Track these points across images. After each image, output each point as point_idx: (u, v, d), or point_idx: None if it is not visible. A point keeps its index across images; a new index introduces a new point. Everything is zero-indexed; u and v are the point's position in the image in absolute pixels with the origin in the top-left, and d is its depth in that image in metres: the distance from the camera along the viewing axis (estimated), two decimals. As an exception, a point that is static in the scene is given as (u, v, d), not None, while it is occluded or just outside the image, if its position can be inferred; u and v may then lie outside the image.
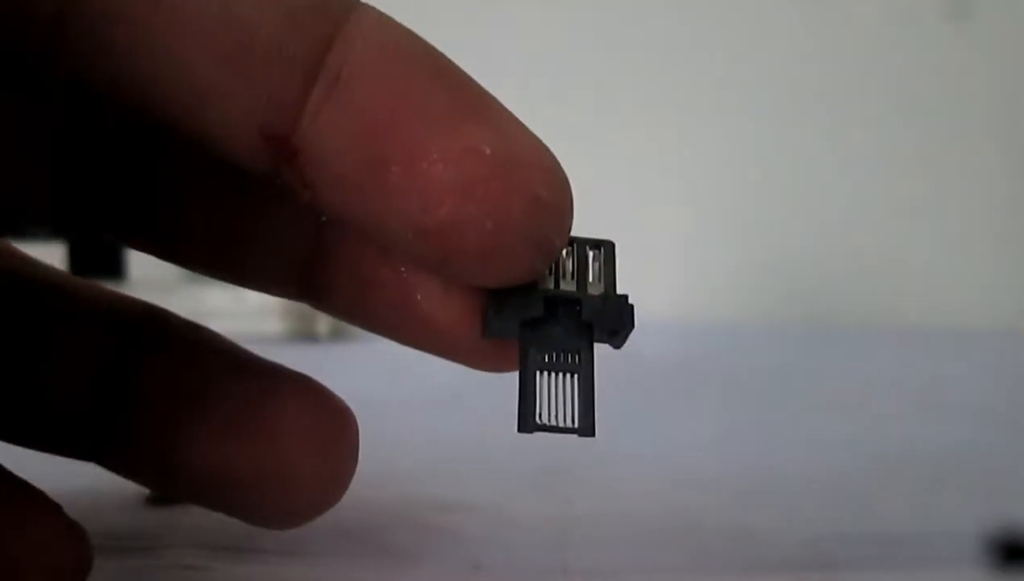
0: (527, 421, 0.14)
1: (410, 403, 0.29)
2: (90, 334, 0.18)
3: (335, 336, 0.44)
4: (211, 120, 0.14)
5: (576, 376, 0.15)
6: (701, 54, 0.55)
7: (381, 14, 0.14)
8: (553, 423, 0.14)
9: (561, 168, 0.14)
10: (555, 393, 0.14)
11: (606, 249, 0.15)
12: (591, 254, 0.15)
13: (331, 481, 0.17)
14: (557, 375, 0.15)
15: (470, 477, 0.24)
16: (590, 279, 0.15)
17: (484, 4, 0.57)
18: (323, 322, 0.45)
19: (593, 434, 0.15)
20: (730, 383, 0.36)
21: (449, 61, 0.14)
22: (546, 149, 0.14)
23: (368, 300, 0.17)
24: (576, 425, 0.14)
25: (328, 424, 0.17)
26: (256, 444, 0.17)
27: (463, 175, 0.13)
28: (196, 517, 0.19)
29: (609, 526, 0.19)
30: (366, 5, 0.14)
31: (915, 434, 0.22)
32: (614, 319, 0.15)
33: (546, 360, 0.15)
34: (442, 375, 0.24)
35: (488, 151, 0.13)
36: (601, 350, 0.15)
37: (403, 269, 0.16)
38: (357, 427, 0.17)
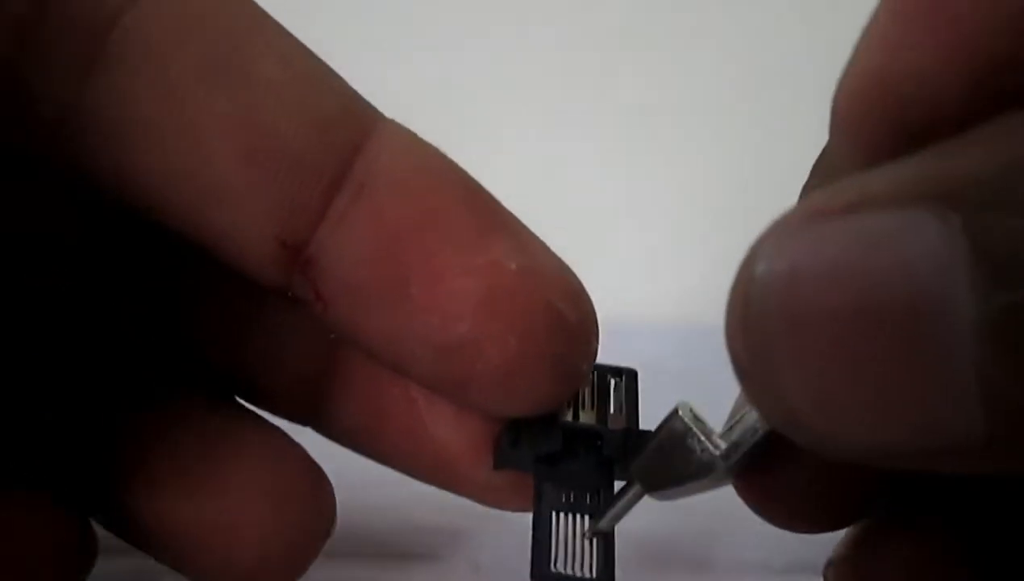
0: (541, 569, 0.13)
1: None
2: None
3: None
4: (226, 222, 0.13)
5: (587, 515, 0.13)
6: (699, 54, 0.55)
7: (403, 127, 0.14)
8: (570, 572, 0.13)
9: (584, 288, 0.14)
10: (572, 536, 0.13)
11: (628, 377, 0.14)
12: (612, 382, 0.14)
13: (289, 544, 0.15)
14: (574, 516, 0.13)
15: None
16: (611, 410, 0.14)
17: (485, 4, 0.57)
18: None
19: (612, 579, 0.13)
20: (729, 385, 0.35)
21: (472, 178, 0.14)
22: (569, 268, 0.14)
23: (376, 426, 0.16)
24: (594, 576, 0.13)
25: (290, 483, 0.16)
26: (203, 497, 0.15)
27: (487, 289, 0.13)
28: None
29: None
30: (390, 119, 0.14)
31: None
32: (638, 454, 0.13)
33: (563, 500, 0.14)
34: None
35: (513, 266, 0.13)
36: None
37: (415, 395, 0.15)
38: (330, 490, 0.16)
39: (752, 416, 0.12)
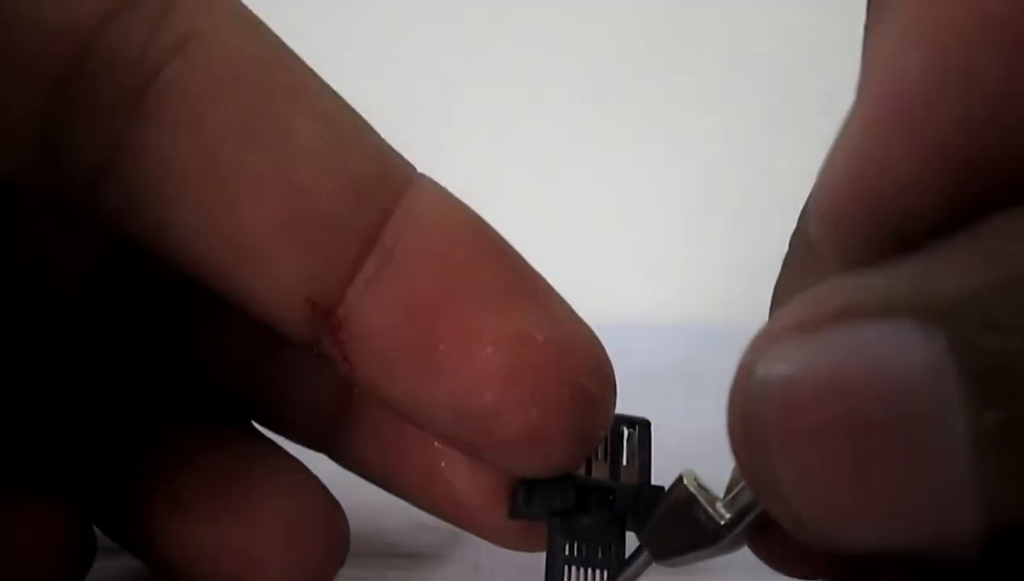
0: None
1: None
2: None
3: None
4: (258, 282, 0.13)
5: (607, 572, 0.14)
6: (698, 53, 0.55)
7: (437, 185, 0.14)
8: None
9: (608, 358, 0.14)
10: None
11: (641, 429, 0.15)
12: (625, 433, 0.14)
13: (304, 576, 0.15)
14: (586, 570, 0.14)
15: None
16: (623, 463, 0.14)
17: (487, 4, 0.57)
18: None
19: None
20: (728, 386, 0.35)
21: (502, 240, 0.14)
22: (596, 337, 0.14)
23: (393, 465, 0.16)
24: None
25: (310, 516, 0.16)
26: (228, 524, 0.15)
27: (513, 361, 0.13)
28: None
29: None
30: (423, 175, 0.14)
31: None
32: (649, 513, 0.13)
33: (575, 553, 0.14)
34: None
35: (540, 338, 0.13)
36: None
37: (434, 441, 0.15)
38: (345, 523, 0.16)
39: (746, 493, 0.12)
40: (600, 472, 0.14)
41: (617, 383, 0.14)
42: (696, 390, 0.36)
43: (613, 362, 0.14)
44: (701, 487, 0.13)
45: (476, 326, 0.13)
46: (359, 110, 0.17)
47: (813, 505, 0.10)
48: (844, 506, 0.10)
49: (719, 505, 0.13)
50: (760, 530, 0.13)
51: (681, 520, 0.12)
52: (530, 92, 0.57)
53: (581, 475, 0.14)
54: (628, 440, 0.14)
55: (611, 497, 0.14)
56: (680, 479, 0.13)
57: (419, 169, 0.15)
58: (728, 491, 0.13)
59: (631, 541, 0.14)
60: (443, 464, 0.15)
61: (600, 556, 0.14)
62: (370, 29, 0.58)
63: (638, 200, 0.55)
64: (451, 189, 0.15)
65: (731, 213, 0.52)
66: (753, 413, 0.10)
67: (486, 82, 0.59)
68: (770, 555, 0.13)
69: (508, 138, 0.57)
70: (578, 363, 0.13)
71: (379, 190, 0.13)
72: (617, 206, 0.55)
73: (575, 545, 0.14)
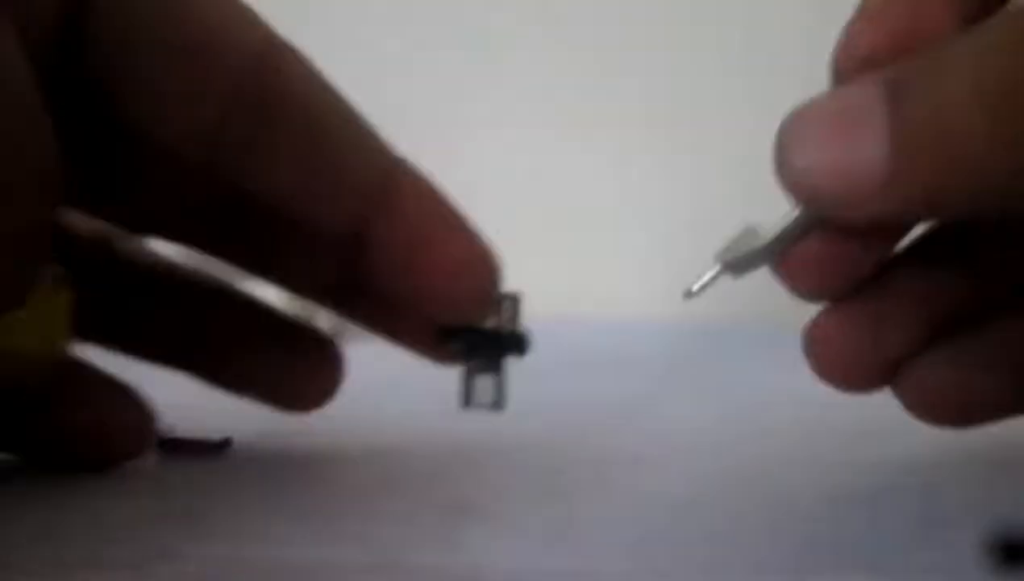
0: (465, 402, 0.24)
1: (408, 405, 0.29)
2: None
3: (335, 338, 0.44)
4: (316, 214, 0.22)
5: (494, 376, 0.24)
6: (691, 53, 0.55)
7: (416, 168, 0.23)
8: (480, 401, 0.24)
9: (494, 258, 0.23)
10: (482, 384, 0.24)
11: (513, 299, 0.24)
12: (506, 301, 0.24)
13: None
14: (483, 373, 0.24)
15: (471, 478, 0.24)
16: (504, 317, 0.24)
17: (488, 4, 0.57)
18: (323, 324, 0.44)
19: (502, 408, 0.24)
20: (728, 384, 0.36)
21: (451, 202, 0.23)
22: (488, 251, 0.23)
23: (374, 314, 0.25)
24: (493, 401, 0.24)
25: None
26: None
27: (453, 266, 0.22)
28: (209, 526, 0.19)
29: (608, 527, 0.19)
30: (407, 162, 0.23)
31: (910, 431, 0.22)
32: (514, 343, 0.24)
33: (474, 364, 0.24)
34: (442, 379, 0.24)
35: (465, 254, 0.23)
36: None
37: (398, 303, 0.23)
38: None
39: (789, 216, 0.20)
40: (490, 324, 0.24)
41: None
42: (693, 391, 0.37)
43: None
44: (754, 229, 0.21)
45: (435, 246, 0.22)
46: (356, 111, 0.23)
47: (814, 169, 0.18)
48: (826, 166, 0.18)
49: (765, 231, 0.21)
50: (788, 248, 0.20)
51: (743, 246, 0.21)
52: (529, 91, 0.57)
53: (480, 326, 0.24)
54: (504, 306, 0.24)
55: (496, 338, 0.24)
56: (743, 226, 0.21)
57: (419, 167, 0.23)
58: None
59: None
60: (404, 321, 0.24)
61: (490, 366, 0.24)
62: (372, 31, 0.58)
63: (637, 200, 0.55)
64: (450, 186, 0.23)
65: (731, 215, 0.52)
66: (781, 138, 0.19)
67: (485, 82, 0.59)
68: (787, 269, 0.21)
69: (507, 138, 0.58)
70: (481, 269, 0.23)
71: (382, 164, 0.23)
72: (616, 206, 0.55)
73: (475, 361, 0.24)
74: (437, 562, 0.17)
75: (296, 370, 0.26)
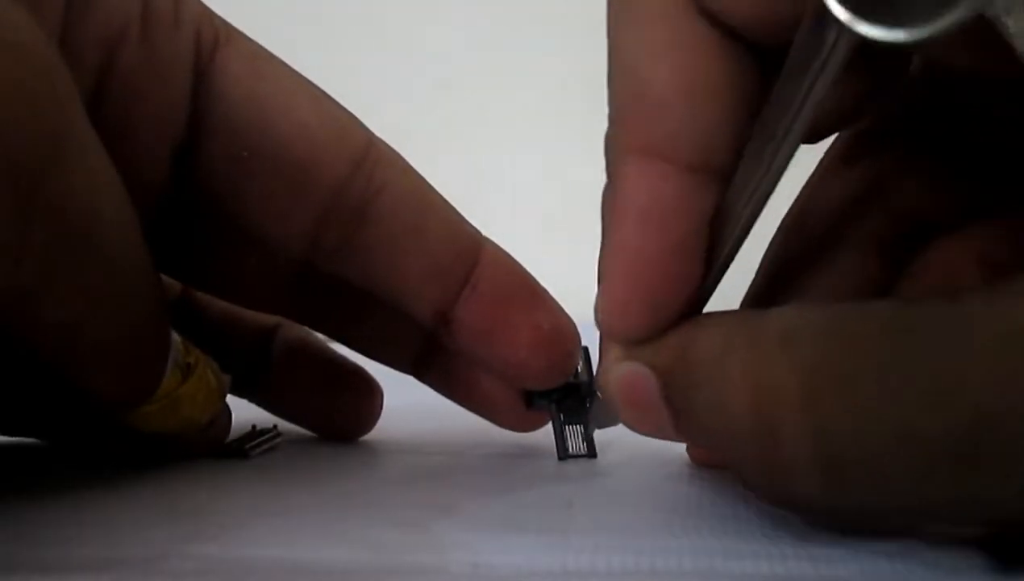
0: (561, 453, 0.26)
1: (409, 406, 0.29)
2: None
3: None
4: (406, 304, 0.24)
5: (582, 425, 0.26)
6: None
7: (495, 244, 0.25)
8: (575, 452, 0.26)
9: (575, 330, 0.25)
10: (572, 435, 0.26)
11: (586, 353, 0.26)
12: (581, 358, 0.26)
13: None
14: (572, 426, 0.26)
15: (470, 478, 0.25)
16: (579, 371, 0.26)
17: (488, 4, 0.57)
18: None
19: (595, 456, 0.26)
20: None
21: (529, 275, 0.25)
22: (571, 321, 0.25)
23: (458, 386, 0.27)
24: (586, 453, 0.26)
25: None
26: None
27: (533, 337, 0.24)
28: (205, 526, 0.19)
29: (609, 527, 0.19)
30: (487, 240, 0.25)
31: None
32: (593, 392, 0.26)
33: (564, 418, 0.26)
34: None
35: (546, 326, 0.25)
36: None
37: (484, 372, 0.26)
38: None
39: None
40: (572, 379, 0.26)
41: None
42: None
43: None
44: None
45: (516, 321, 0.24)
46: (443, 199, 0.25)
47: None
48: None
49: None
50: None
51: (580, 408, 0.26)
52: (529, 91, 0.57)
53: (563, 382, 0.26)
54: (582, 361, 0.26)
55: (577, 389, 0.26)
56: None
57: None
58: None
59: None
60: (487, 385, 0.27)
61: (577, 417, 0.26)
62: (371, 30, 0.58)
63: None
64: (452, 189, 0.25)
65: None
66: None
67: (484, 82, 0.59)
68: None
69: (507, 137, 0.58)
70: (562, 338, 0.25)
71: (469, 250, 0.25)
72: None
73: (563, 415, 0.26)
74: (436, 563, 0.17)
75: (345, 405, 0.29)
